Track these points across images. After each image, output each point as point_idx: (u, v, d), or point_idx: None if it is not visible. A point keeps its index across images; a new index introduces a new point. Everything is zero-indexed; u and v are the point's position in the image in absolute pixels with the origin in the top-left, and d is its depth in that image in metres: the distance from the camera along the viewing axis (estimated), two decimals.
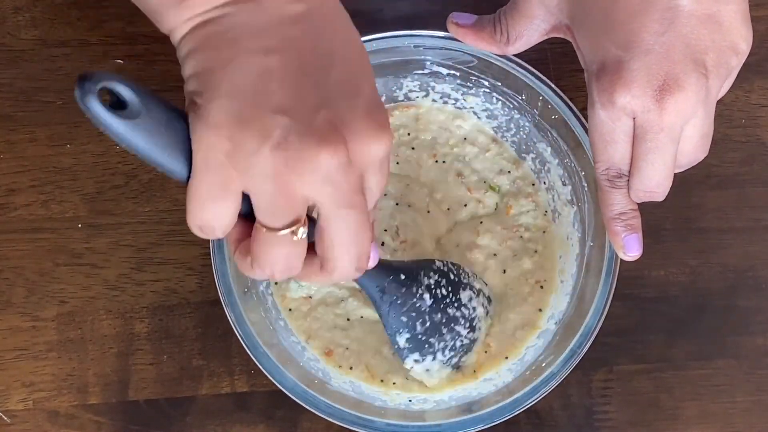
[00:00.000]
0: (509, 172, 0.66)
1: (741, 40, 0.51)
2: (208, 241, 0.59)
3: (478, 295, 0.62)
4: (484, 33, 0.59)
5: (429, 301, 0.60)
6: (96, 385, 0.65)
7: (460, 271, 0.62)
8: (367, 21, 0.68)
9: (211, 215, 0.44)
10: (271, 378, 0.58)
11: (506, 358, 0.63)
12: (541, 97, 0.61)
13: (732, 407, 0.66)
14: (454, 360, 0.62)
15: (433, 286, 0.61)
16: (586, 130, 0.59)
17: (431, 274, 0.61)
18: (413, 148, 0.66)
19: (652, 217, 0.67)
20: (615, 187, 0.54)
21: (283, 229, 0.44)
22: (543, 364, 0.60)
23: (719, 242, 0.68)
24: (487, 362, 0.63)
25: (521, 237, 0.65)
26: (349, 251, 0.46)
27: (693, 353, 0.66)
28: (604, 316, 0.59)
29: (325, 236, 0.45)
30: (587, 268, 0.61)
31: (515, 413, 0.58)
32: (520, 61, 0.61)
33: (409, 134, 0.67)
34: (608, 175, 0.54)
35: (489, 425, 0.58)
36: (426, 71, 0.64)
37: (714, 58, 0.50)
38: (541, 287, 0.64)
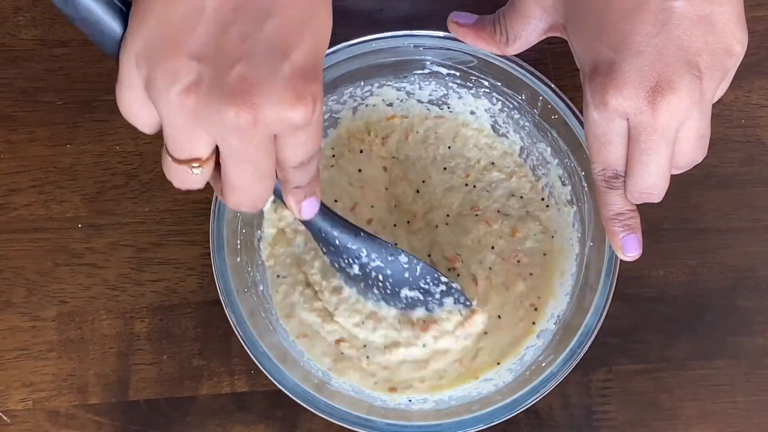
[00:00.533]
0: (521, 197, 0.66)
1: (735, 42, 0.51)
2: (208, 241, 0.59)
3: (427, 296, 0.62)
4: (484, 33, 0.59)
5: (356, 271, 0.61)
6: (96, 385, 0.65)
7: (426, 277, 0.62)
8: (366, 21, 0.69)
9: (133, 115, 0.46)
10: (271, 378, 0.58)
11: (498, 363, 0.63)
12: (541, 97, 0.61)
13: (732, 407, 0.66)
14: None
15: (371, 268, 0.61)
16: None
17: (376, 258, 0.61)
18: (445, 168, 0.67)
19: (651, 218, 0.67)
20: (612, 187, 0.54)
21: (183, 163, 0.46)
22: (543, 364, 0.60)
23: (719, 242, 0.68)
24: (482, 366, 0.63)
25: (518, 262, 0.65)
26: (241, 194, 0.47)
27: (693, 353, 0.66)
28: (603, 316, 0.59)
29: (223, 173, 0.47)
30: (587, 268, 0.61)
31: (515, 413, 0.58)
32: (520, 61, 0.61)
33: (449, 147, 0.67)
34: (604, 176, 0.54)
35: (489, 425, 0.58)
36: (426, 71, 0.64)
37: (707, 59, 0.50)
38: (535, 309, 0.64)
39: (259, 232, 0.64)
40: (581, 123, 0.61)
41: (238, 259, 0.61)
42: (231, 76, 0.43)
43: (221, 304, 0.59)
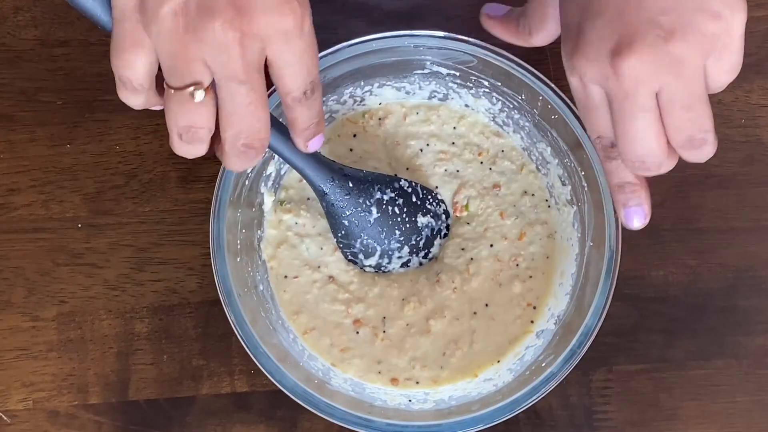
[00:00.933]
0: (533, 194, 0.66)
1: (722, 5, 0.47)
2: (208, 241, 0.59)
3: (437, 220, 0.64)
4: (510, 25, 0.59)
5: (375, 214, 0.62)
6: (96, 385, 0.65)
7: (428, 196, 0.64)
8: (366, 20, 0.69)
9: (126, 64, 0.46)
10: (271, 378, 0.58)
11: (498, 361, 0.63)
12: (541, 97, 0.61)
13: (732, 407, 0.66)
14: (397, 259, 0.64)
15: (385, 203, 0.62)
16: (586, 130, 0.59)
17: (387, 190, 0.63)
18: (453, 143, 0.67)
19: (651, 217, 0.67)
20: (609, 157, 0.52)
21: (183, 88, 0.46)
22: (543, 364, 0.60)
23: (719, 242, 0.68)
24: (482, 363, 0.63)
25: (517, 265, 0.65)
26: (233, 125, 0.47)
27: (693, 353, 0.66)
28: (603, 316, 0.59)
29: (219, 104, 0.47)
30: (587, 268, 0.61)
31: (515, 413, 0.58)
32: (520, 61, 0.61)
33: (454, 128, 0.67)
34: (601, 144, 0.52)
35: (489, 425, 0.58)
36: (426, 71, 0.64)
37: (675, 19, 0.46)
38: (534, 308, 0.64)
39: (259, 232, 0.64)
40: (581, 123, 0.61)
41: (238, 260, 0.61)
42: None
43: (221, 304, 0.59)
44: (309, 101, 0.50)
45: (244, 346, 0.58)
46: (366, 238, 0.63)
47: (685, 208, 0.68)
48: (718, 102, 0.69)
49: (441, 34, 0.61)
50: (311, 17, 0.48)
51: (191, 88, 0.46)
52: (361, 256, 0.64)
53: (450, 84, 0.65)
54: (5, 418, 0.65)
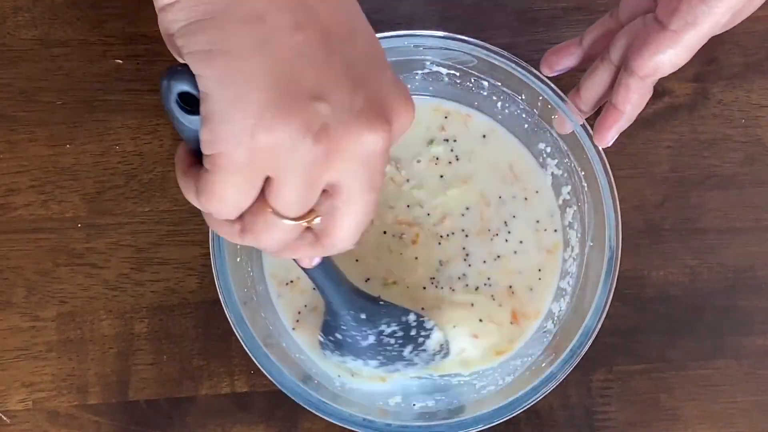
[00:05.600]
0: (544, 230, 0.66)
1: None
2: (208, 241, 0.59)
3: (422, 354, 0.62)
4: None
5: (370, 341, 0.60)
6: (96, 385, 0.65)
7: (427, 331, 0.62)
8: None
9: (228, 209, 0.41)
10: (271, 378, 0.58)
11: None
12: (541, 97, 0.61)
13: (732, 407, 0.66)
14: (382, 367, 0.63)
15: (386, 335, 0.61)
16: (586, 130, 0.60)
17: (393, 324, 0.61)
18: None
19: (652, 217, 0.67)
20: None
21: (302, 219, 0.42)
22: (543, 364, 0.60)
23: (719, 242, 0.68)
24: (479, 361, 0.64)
25: (513, 293, 0.65)
26: (356, 230, 0.43)
27: (693, 353, 0.66)
28: (603, 316, 0.59)
29: (338, 216, 0.42)
30: (587, 268, 0.61)
31: (515, 413, 0.58)
32: (520, 61, 0.61)
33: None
34: None
35: (489, 425, 0.58)
36: (426, 71, 0.64)
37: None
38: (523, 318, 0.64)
39: None
40: (581, 123, 0.61)
41: (238, 259, 0.61)
42: (357, 102, 0.39)
43: (221, 304, 0.59)
44: None
45: (244, 346, 0.58)
46: (347, 350, 0.61)
47: (685, 208, 0.68)
48: (718, 102, 0.69)
49: (441, 34, 0.61)
50: None
51: (308, 218, 0.41)
52: (332, 347, 0.62)
53: (450, 84, 0.65)
54: (5, 418, 0.65)
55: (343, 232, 0.43)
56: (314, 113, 0.38)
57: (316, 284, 0.57)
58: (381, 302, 0.61)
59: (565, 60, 0.59)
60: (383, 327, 0.60)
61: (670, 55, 0.52)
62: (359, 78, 0.40)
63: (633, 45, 0.53)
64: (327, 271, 0.56)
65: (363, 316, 0.59)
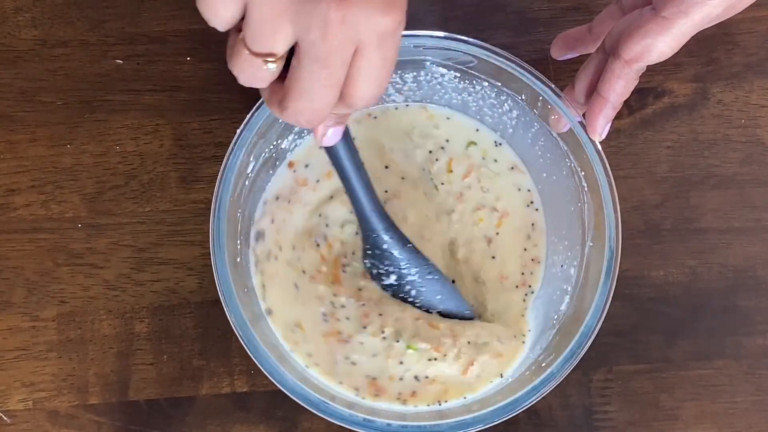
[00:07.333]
0: (529, 237, 0.66)
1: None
2: (208, 241, 0.59)
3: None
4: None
5: (391, 280, 0.62)
6: (96, 385, 0.65)
7: (458, 303, 0.63)
8: None
9: (214, 5, 0.44)
10: (271, 378, 0.58)
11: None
12: (541, 97, 0.61)
13: (732, 407, 0.66)
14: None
15: (405, 281, 0.62)
16: (584, 129, 0.60)
17: (413, 270, 0.62)
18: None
19: (651, 217, 0.67)
20: None
21: (259, 56, 0.45)
22: (543, 364, 0.60)
23: (719, 242, 0.68)
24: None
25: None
26: (305, 101, 0.46)
27: (693, 353, 0.66)
28: (603, 316, 0.58)
29: (292, 77, 0.46)
30: (587, 268, 0.61)
31: (515, 413, 0.58)
32: (520, 61, 0.61)
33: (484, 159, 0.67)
34: None
35: (489, 425, 0.58)
36: (426, 71, 0.64)
37: None
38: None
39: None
40: (581, 122, 0.61)
41: (238, 260, 0.61)
42: None
43: (221, 304, 0.59)
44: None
45: (244, 347, 0.58)
46: (388, 260, 0.62)
47: (685, 208, 0.68)
48: (718, 102, 0.69)
49: (441, 34, 0.61)
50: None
51: (268, 57, 0.45)
52: (375, 264, 0.63)
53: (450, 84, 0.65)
54: (5, 418, 0.65)
55: (294, 93, 0.46)
56: None
57: (342, 174, 0.57)
58: (409, 244, 0.62)
59: (575, 44, 0.61)
60: (404, 270, 0.62)
61: (658, 41, 0.52)
62: None
63: (625, 31, 0.53)
64: (354, 161, 0.56)
65: (384, 247, 0.61)
